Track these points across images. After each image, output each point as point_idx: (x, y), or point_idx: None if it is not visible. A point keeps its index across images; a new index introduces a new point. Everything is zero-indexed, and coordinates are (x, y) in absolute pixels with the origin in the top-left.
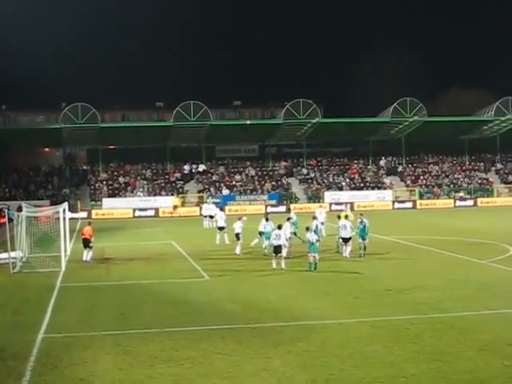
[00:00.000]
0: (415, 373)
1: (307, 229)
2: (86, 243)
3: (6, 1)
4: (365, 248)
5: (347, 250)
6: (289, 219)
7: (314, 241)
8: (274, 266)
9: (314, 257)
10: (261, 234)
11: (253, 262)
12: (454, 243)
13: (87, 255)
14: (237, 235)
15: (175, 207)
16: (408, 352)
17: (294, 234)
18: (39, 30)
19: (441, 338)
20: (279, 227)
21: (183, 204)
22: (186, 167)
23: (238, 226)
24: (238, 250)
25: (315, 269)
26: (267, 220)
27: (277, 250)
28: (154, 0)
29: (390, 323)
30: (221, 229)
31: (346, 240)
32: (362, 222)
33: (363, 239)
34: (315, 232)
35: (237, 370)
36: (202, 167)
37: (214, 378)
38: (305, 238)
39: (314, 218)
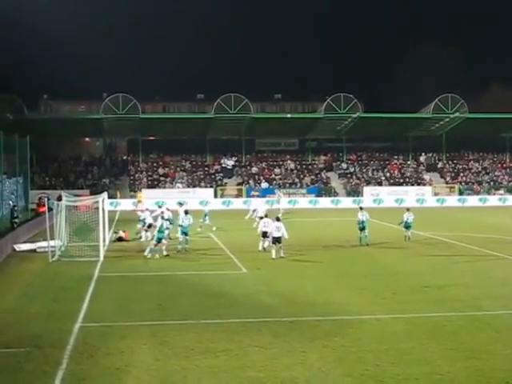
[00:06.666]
0: (451, 370)
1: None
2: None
3: None
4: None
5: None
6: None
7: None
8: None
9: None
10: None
11: (290, 255)
12: (493, 241)
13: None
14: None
15: (139, 202)
16: (444, 349)
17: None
18: (81, 20)
19: (477, 335)
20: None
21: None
22: (229, 162)
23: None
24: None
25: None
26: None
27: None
28: None
29: (427, 320)
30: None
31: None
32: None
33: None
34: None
35: (273, 363)
36: (230, 163)
37: (249, 371)
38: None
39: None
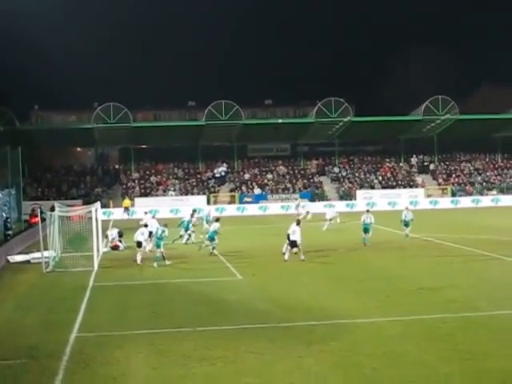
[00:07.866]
0: (448, 372)
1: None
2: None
3: (41, 1)
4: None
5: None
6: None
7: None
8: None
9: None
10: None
11: (284, 261)
12: (487, 242)
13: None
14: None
15: (126, 208)
16: (440, 351)
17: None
18: (72, 30)
19: (473, 337)
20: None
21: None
22: (221, 169)
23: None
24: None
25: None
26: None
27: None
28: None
29: (423, 322)
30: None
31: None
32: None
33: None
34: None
35: (269, 369)
36: (222, 170)
37: (246, 377)
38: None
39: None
